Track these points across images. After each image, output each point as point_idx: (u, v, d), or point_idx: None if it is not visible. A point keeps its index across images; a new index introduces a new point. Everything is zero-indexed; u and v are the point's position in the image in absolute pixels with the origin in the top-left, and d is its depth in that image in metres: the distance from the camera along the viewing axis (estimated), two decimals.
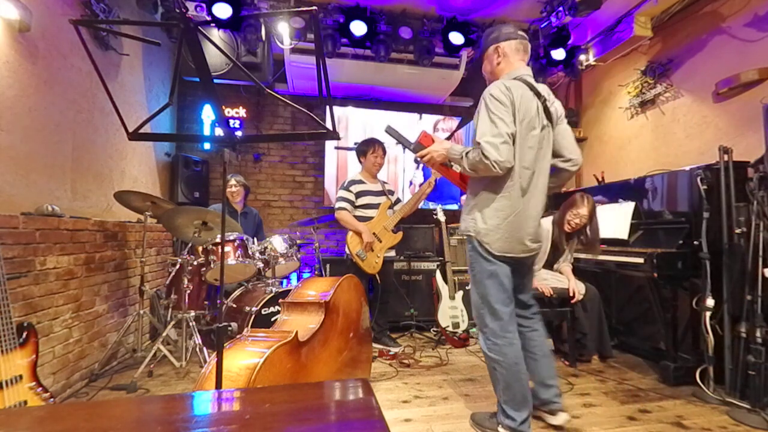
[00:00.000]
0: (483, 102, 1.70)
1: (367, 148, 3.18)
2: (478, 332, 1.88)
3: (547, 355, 1.96)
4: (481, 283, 1.79)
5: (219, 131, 4.02)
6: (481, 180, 1.76)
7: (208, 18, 3.13)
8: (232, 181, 3.39)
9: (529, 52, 1.88)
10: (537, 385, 1.94)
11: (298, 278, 4.00)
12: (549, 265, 3.00)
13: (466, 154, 1.70)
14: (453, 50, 3.66)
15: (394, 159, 4.53)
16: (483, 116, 1.67)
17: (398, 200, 3.31)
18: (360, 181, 3.16)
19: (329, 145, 4.43)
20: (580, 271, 3.14)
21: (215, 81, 2.48)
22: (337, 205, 3.10)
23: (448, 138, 4.54)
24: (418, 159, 1.93)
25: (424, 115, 4.70)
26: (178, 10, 3.17)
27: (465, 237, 1.85)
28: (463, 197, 1.96)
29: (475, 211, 1.78)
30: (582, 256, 3.05)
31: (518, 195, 1.72)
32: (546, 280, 2.94)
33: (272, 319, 2.57)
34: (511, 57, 1.82)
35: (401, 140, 1.96)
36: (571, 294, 2.75)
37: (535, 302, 1.99)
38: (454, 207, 4.61)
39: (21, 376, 1.50)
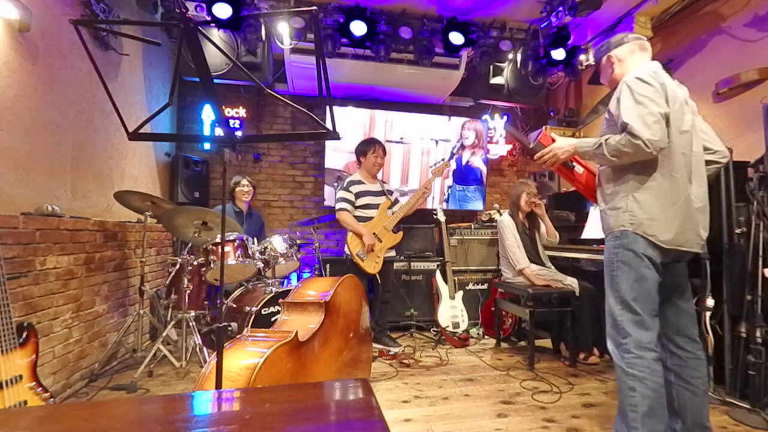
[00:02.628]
0: (625, 87, 1.55)
1: (367, 149, 3.19)
2: (612, 348, 1.60)
3: (707, 392, 1.71)
4: (626, 287, 1.56)
5: (219, 131, 4.02)
6: (627, 168, 1.58)
7: (208, 18, 3.13)
8: (244, 182, 3.43)
9: (648, 49, 1.73)
10: (691, 426, 1.66)
11: (298, 278, 4.00)
12: (534, 256, 3.08)
13: (606, 141, 1.54)
14: (453, 50, 3.66)
15: (426, 151, 4.56)
16: (626, 100, 1.52)
17: (397, 200, 3.32)
18: (359, 182, 3.16)
19: (330, 144, 4.43)
20: (580, 270, 3.15)
21: (215, 81, 2.48)
22: (338, 205, 3.10)
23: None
24: (537, 159, 1.76)
25: (452, 117, 4.70)
26: (178, 10, 3.19)
27: (609, 237, 1.62)
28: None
29: (626, 201, 1.57)
30: (582, 256, 3.06)
31: (684, 179, 1.55)
32: (543, 276, 2.96)
33: (272, 319, 2.57)
34: (627, 60, 1.71)
35: (520, 139, 1.86)
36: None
37: (697, 335, 1.71)
38: (473, 192, 4.61)
39: (21, 376, 1.50)
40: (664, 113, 1.47)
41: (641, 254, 1.53)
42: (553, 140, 1.75)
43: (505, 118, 4.91)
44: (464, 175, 4.63)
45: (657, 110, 1.46)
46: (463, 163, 4.61)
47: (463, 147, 4.59)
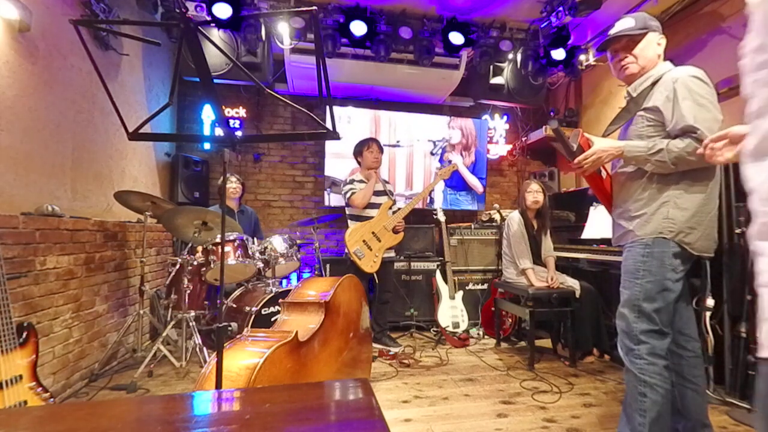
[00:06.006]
0: (681, 86, 1.44)
1: (363, 147, 3.21)
2: (622, 354, 1.57)
3: (706, 389, 1.71)
4: (648, 297, 1.50)
5: (219, 131, 4.02)
6: (669, 175, 1.50)
7: (208, 18, 3.13)
8: (232, 179, 3.42)
9: None
10: (694, 425, 1.64)
11: (298, 278, 4.00)
12: (535, 257, 3.08)
13: (667, 146, 1.43)
14: (453, 50, 3.66)
15: (425, 153, 4.58)
16: (686, 101, 1.42)
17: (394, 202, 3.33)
18: (361, 181, 3.17)
19: (333, 151, 4.42)
20: (579, 271, 3.15)
21: (215, 81, 2.48)
22: (348, 193, 3.12)
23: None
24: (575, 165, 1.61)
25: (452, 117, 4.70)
26: (178, 10, 3.19)
27: (635, 243, 1.55)
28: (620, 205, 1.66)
29: (667, 208, 1.50)
30: (582, 256, 3.06)
31: (717, 186, 1.53)
32: (544, 278, 2.96)
33: (272, 319, 2.57)
34: (661, 49, 1.61)
35: (563, 140, 1.62)
36: (548, 283, 2.89)
37: (696, 333, 1.69)
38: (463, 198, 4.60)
39: (21, 376, 1.50)
40: (721, 120, 1.40)
41: (668, 265, 1.49)
42: (591, 142, 1.61)
43: (506, 117, 4.92)
44: (451, 179, 4.37)
45: (719, 117, 1.40)
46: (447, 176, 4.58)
47: (451, 147, 4.57)
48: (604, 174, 1.73)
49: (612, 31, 1.62)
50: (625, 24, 1.60)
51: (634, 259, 1.55)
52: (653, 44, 1.59)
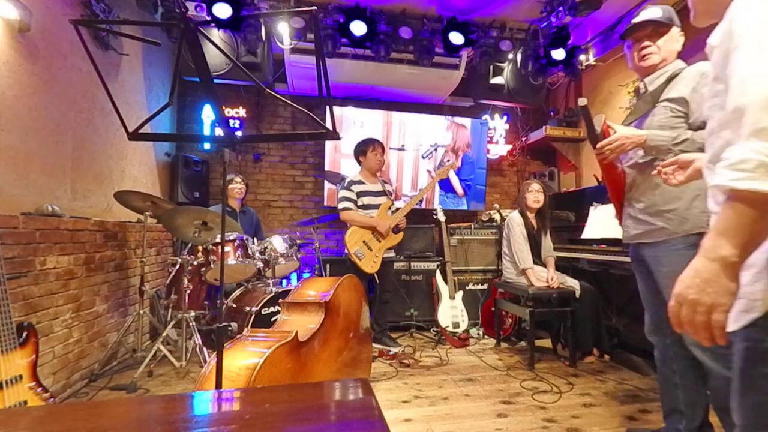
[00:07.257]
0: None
1: (367, 147, 3.19)
2: (712, 359, 1.48)
3: (707, 391, 1.72)
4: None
5: (219, 131, 4.02)
6: None
7: (208, 18, 3.13)
8: (237, 179, 3.43)
9: None
10: (696, 426, 1.71)
11: (298, 278, 4.00)
12: (535, 257, 3.08)
13: (693, 137, 1.41)
14: (453, 50, 3.66)
15: (434, 156, 4.62)
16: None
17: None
18: (360, 182, 3.16)
19: (329, 145, 4.41)
20: (579, 270, 3.15)
21: (215, 81, 2.47)
22: (341, 205, 3.10)
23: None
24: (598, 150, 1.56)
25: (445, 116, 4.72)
26: (178, 10, 3.19)
27: (674, 241, 1.51)
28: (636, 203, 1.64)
29: (702, 201, 1.46)
30: (582, 256, 3.06)
31: None
32: (543, 279, 2.96)
33: (272, 319, 2.57)
34: None
35: (588, 124, 1.57)
36: (548, 283, 2.90)
37: None
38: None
39: (21, 376, 1.50)
40: None
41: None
42: (612, 130, 1.56)
43: (506, 117, 4.92)
44: (442, 182, 4.41)
45: None
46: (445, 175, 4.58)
47: (444, 150, 4.58)
48: (619, 166, 1.69)
49: (638, 19, 1.58)
50: (652, 13, 1.56)
51: (683, 257, 1.44)
52: (675, 39, 1.56)
